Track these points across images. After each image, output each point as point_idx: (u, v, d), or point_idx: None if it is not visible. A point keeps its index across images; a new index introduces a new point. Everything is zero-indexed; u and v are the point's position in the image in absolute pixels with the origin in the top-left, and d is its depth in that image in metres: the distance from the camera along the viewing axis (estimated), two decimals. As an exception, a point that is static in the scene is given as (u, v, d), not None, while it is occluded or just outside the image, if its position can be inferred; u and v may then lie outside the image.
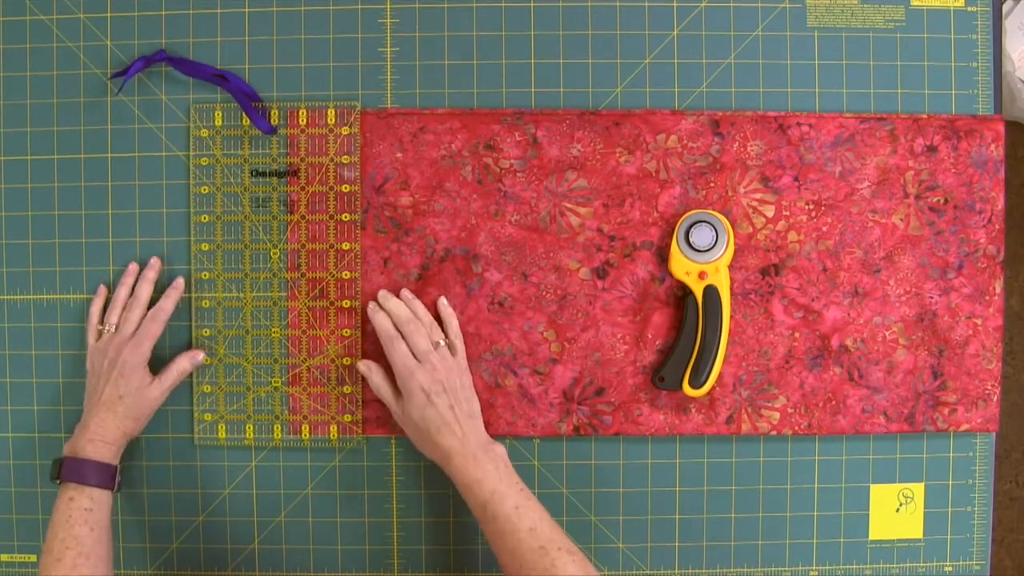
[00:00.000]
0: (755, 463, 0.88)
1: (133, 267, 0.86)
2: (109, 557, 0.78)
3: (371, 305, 0.85)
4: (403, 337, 0.82)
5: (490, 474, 0.78)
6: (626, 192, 0.86)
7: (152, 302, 0.84)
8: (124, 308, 0.84)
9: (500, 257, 0.86)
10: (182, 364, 0.84)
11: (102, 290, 0.86)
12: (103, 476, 0.78)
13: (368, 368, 0.84)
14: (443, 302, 0.85)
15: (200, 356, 0.85)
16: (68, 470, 0.78)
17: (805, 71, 0.87)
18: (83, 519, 0.77)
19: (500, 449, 0.80)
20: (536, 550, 0.74)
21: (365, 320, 0.86)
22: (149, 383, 0.82)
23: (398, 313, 0.83)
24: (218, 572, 0.88)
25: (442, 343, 0.82)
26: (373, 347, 0.86)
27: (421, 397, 0.79)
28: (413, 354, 0.81)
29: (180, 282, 0.85)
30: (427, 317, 0.84)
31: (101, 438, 0.79)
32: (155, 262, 0.85)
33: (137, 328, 0.82)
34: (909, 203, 0.86)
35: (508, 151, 0.86)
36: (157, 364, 0.84)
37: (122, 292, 0.84)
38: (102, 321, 0.84)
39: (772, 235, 0.86)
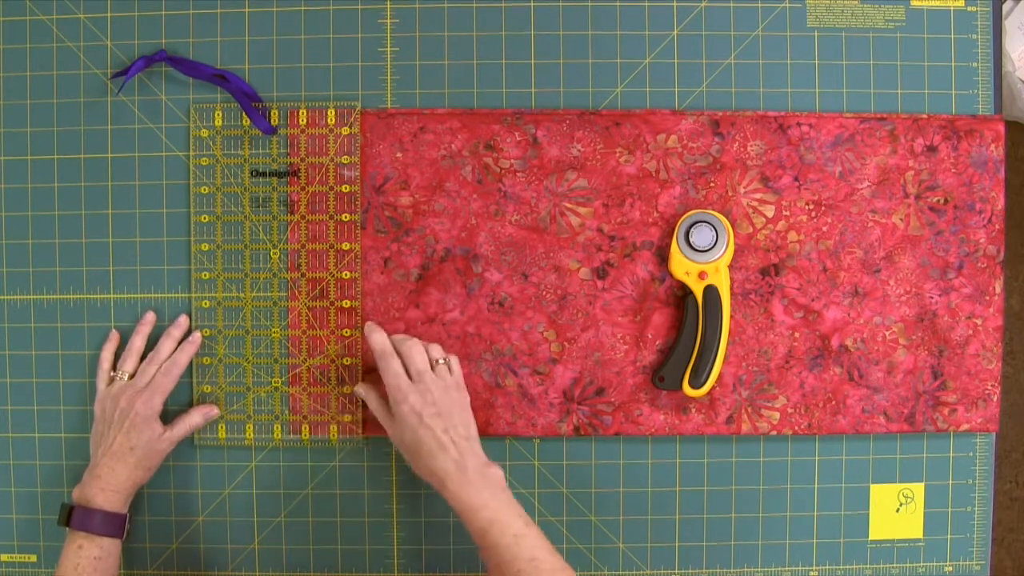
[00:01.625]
0: (755, 463, 0.88)
1: (150, 316, 0.86)
2: None
3: (368, 324, 0.84)
4: (399, 356, 0.81)
5: (488, 502, 0.75)
6: (626, 192, 0.86)
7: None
8: (138, 357, 0.84)
9: (500, 257, 0.86)
10: (194, 419, 0.85)
11: (114, 335, 0.86)
12: (113, 526, 0.79)
13: (365, 392, 0.84)
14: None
15: (214, 412, 0.85)
16: (79, 519, 0.78)
17: (805, 71, 0.87)
18: (92, 567, 0.77)
19: (497, 473, 0.78)
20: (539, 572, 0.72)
21: (365, 320, 0.86)
22: (160, 435, 0.82)
23: (395, 335, 0.83)
24: (218, 572, 0.88)
25: (440, 361, 0.81)
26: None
27: (414, 419, 0.78)
28: (408, 374, 0.80)
29: (197, 336, 0.85)
30: (421, 341, 0.83)
31: (112, 488, 0.79)
32: (182, 320, 0.86)
33: (151, 381, 0.82)
34: (909, 203, 0.86)
35: (508, 151, 0.86)
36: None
37: (137, 341, 0.85)
38: (115, 367, 0.85)
39: (772, 235, 0.86)
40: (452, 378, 0.81)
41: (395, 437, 0.80)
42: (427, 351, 0.81)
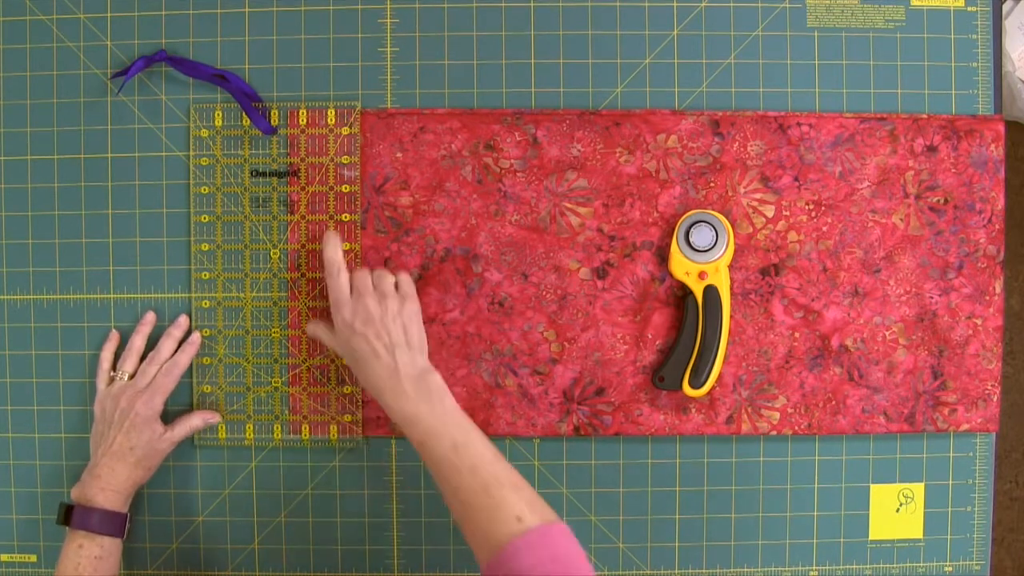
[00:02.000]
0: (755, 463, 0.88)
1: (150, 316, 0.86)
2: None
3: (327, 234, 0.81)
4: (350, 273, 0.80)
5: (423, 413, 0.73)
6: (626, 192, 0.86)
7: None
8: (138, 357, 0.84)
9: (500, 257, 0.86)
10: (194, 422, 0.85)
11: (114, 335, 0.86)
12: (114, 525, 0.79)
13: (313, 327, 0.83)
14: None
15: (215, 418, 0.86)
16: (79, 518, 0.78)
17: (805, 71, 0.87)
18: (93, 567, 0.77)
19: (436, 380, 0.75)
20: (478, 491, 0.69)
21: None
22: (160, 435, 0.82)
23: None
24: (218, 572, 0.88)
25: (386, 279, 0.79)
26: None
27: (346, 330, 0.77)
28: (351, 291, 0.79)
29: (196, 337, 0.85)
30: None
31: (113, 488, 0.79)
32: (182, 320, 0.86)
33: (151, 381, 0.82)
34: (909, 203, 0.86)
35: (508, 151, 0.86)
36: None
37: (137, 341, 0.85)
38: (115, 367, 0.85)
39: (772, 235, 0.86)
40: (395, 290, 0.79)
41: (338, 350, 0.80)
42: (373, 272, 0.80)
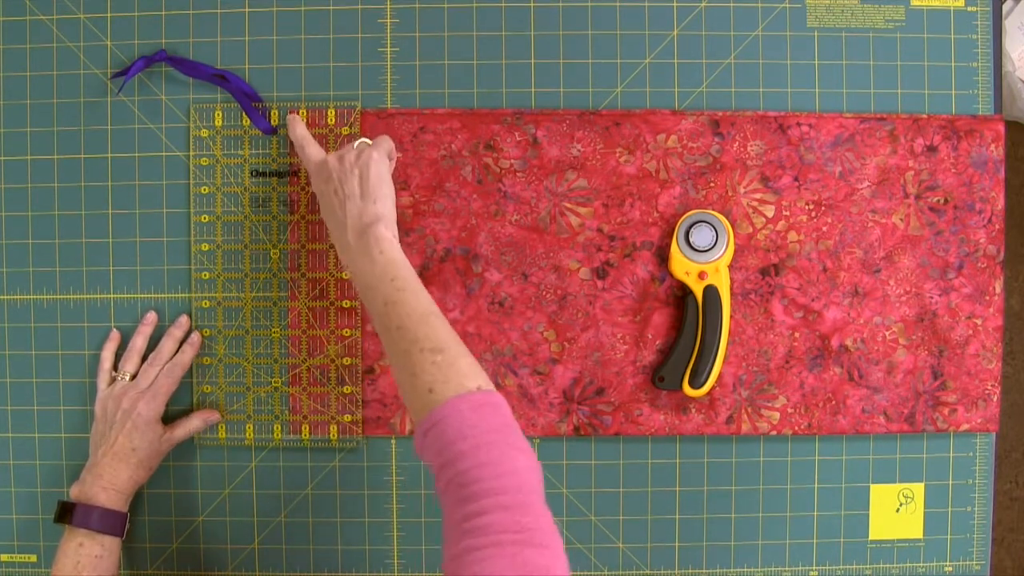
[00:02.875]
0: (755, 463, 0.88)
1: (151, 316, 0.86)
2: None
3: (291, 116, 0.81)
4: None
5: (363, 267, 0.70)
6: (626, 192, 0.86)
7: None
8: (139, 357, 0.84)
9: (500, 257, 0.86)
10: (194, 423, 0.85)
11: (115, 335, 0.86)
12: (115, 524, 0.79)
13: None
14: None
15: (215, 416, 0.86)
16: (81, 517, 0.78)
17: (805, 71, 0.87)
18: (93, 566, 0.77)
19: (379, 230, 0.71)
20: (401, 353, 0.65)
21: (365, 320, 0.86)
22: (161, 436, 0.82)
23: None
24: (218, 572, 0.88)
25: (356, 143, 0.77)
26: (374, 347, 0.86)
27: (317, 194, 0.76)
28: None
29: (197, 337, 0.85)
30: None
31: (115, 488, 0.79)
32: (183, 320, 0.86)
33: (153, 382, 0.82)
34: (909, 203, 0.86)
35: (508, 151, 0.86)
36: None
37: (139, 342, 0.85)
38: (116, 367, 0.85)
39: (772, 235, 0.86)
40: (367, 148, 0.76)
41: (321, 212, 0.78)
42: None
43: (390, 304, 0.67)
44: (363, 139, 0.78)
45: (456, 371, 0.63)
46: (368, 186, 0.74)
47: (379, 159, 0.75)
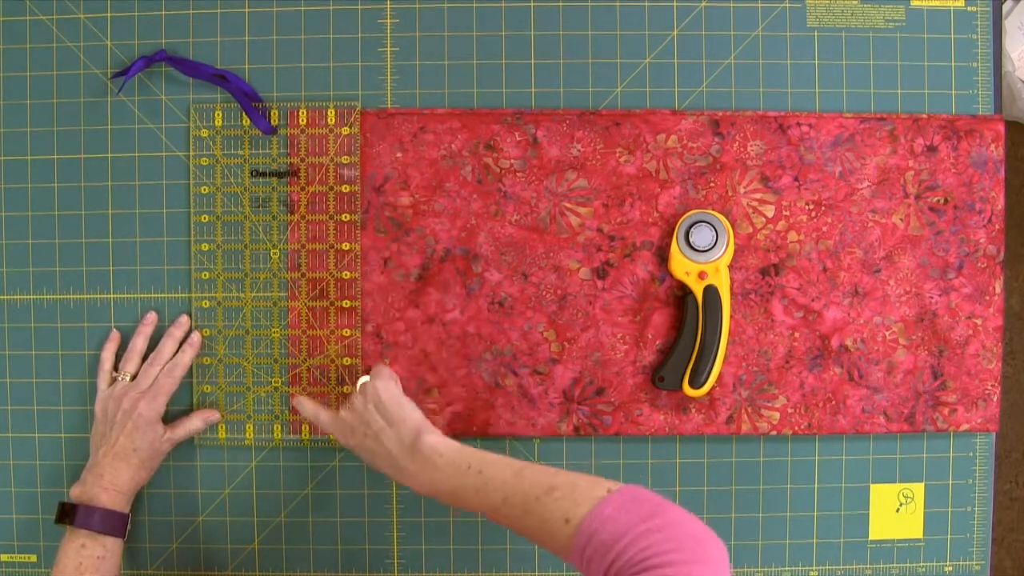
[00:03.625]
0: (755, 463, 0.88)
1: (151, 317, 0.86)
2: None
3: (296, 399, 0.84)
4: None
5: (436, 480, 0.72)
6: (626, 192, 0.86)
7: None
8: (140, 358, 0.85)
9: (500, 257, 0.86)
10: (195, 423, 0.85)
11: (115, 335, 0.86)
12: (117, 524, 0.79)
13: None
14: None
15: (215, 416, 0.86)
16: (83, 518, 0.78)
17: (805, 71, 0.87)
18: (95, 567, 0.77)
19: (428, 441, 0.73)
20: (522, 516, 0.67)
21: (365, 320, 0.86)
22: (162, 436, 0.82)
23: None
24: (218, 572, 0.88)
25: (358, 384, 0.82)
26: (373, 347, 0.86)
27: (352, 450, 0.79)
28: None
29: (197, 337, 0.85)
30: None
31: (117, 488, 0.80)
32: (183, 320, 0.86)
33: (154, 382, 0.83)
34: (909, 203, 0.86)
35: (508, 151, 0.86)
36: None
37: (139, 342, 0.85)
38: (116, 368, 0.85)
39: (772, 235, 0.86)
40: (364, 387, 0.80)
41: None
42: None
43: (481, 491, 0.69)
44: (363, 378, 0.82)
45: (580, 492, 0.64)
46: (389, 413, 0.77)
47: (384, 386, 0.79)
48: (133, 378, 0.83)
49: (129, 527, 0.81)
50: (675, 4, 0.87)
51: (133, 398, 0.81)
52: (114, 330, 0.86)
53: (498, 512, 0.69)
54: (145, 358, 0.85)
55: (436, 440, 0.73)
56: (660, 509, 0.60)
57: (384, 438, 0.76)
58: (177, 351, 0.85)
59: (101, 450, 0.81)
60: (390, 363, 0.84)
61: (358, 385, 0.81)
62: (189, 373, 0.86)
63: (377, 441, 0.76)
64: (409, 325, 0.86)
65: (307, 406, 0.83)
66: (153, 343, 0.85)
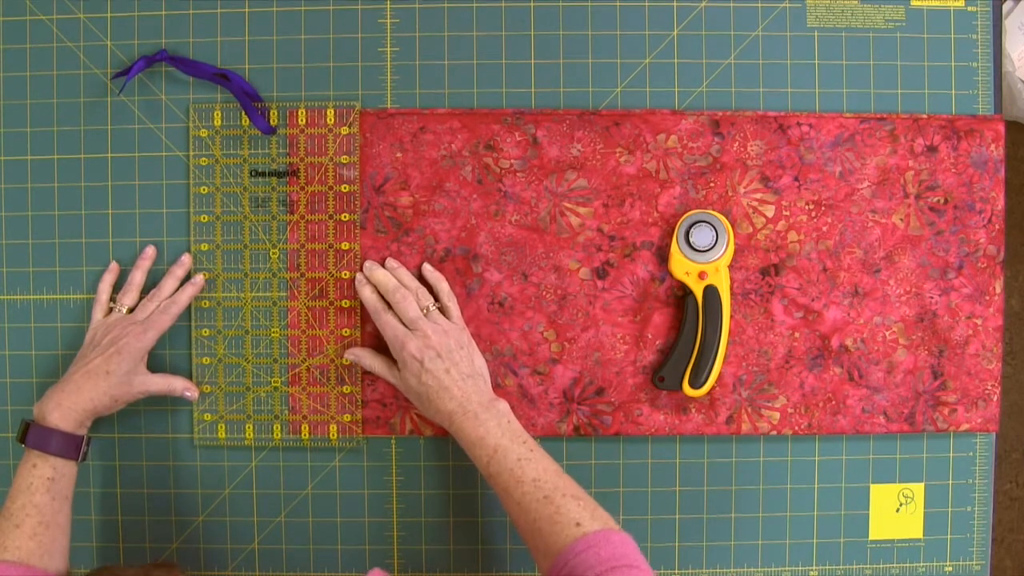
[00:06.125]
0: (755, 463, 0.88)
1: (151, 250, 0.85)
2: (68, 528, 0.78)
3: (358, 277, 0.84)
4: (391, 307, 0.82)
5: (492, 431, 0.77)
6: (626, 192, 0.86)
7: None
8: (138, 291, 0.84)
9: (500, 257, 0.86)
10: (174, 383, 0.84)
11: (114, 267, 0.86)
12: (68, 446, 0.77)
13: (356, 355, 0.84)
14: (428, 267, 0.85)
15: (195, 393, 0.85)
16: (33, 437, 0.77)
17: (805, 71, 0.87)
18: (44, 487, 0.76)
19: (503, 405, 0.79)
20: (541, 500, 0.73)
21: (365, 319, 0.86)
22: (140, 372, 0.81)
23: (384, 283, 0.83)
24: (218, 572, 0.88)
25: (432, 307, 0.82)
26: (373, 346, 0.86)
27: (415, 365, 0.79)
28: (403, 323, 0.81)
29: (199, 279, 0.85)
30: (414, 283, 0.83)
31: (69, 404, 0.78)
32: (185, 259, 0.85)
33: (148, 316, 0.82)
34: (909, 203, 0.86)
35: (508, 151, 0.86)
36: (152, 361, 0.84)
37: (137, 276, 0.84)
38: (113, 299, 0.84)
39: (772, 235, 0.86)
40: (449, 320, 0.82)
41: (401, 386, 0.82)
42: (418, 297, 0.82)
43: (524, 460, 0.75)
44: (429, 308, 0.82)
45: (599, 513, 0.72)
46: (477, 367, 0.82)
47: (469, 337, 0.83)
48: (130, 311, 0.83)
49: (86, 449, 0.79)
50: (675, 4, 0.87)
51: (124, 326, 0.81)
52: (113, 263, 0.86)
53: (521, 487, 0.74)
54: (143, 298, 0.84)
55: (509, 411, 0.79)
56: (646, 566, 0.69)
57: (469, 384, 0.79)
58: (177, 290, 0.84)
59: (73, 367, 0.80)
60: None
61: (429, 312, 0.81)
62: (188, 372, 0.86)
63: (459, 384, 0.79)
64: (409, 325, 0.86)
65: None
66: (152, 285, 0.85)
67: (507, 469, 0.75)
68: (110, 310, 0.84)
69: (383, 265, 0.85)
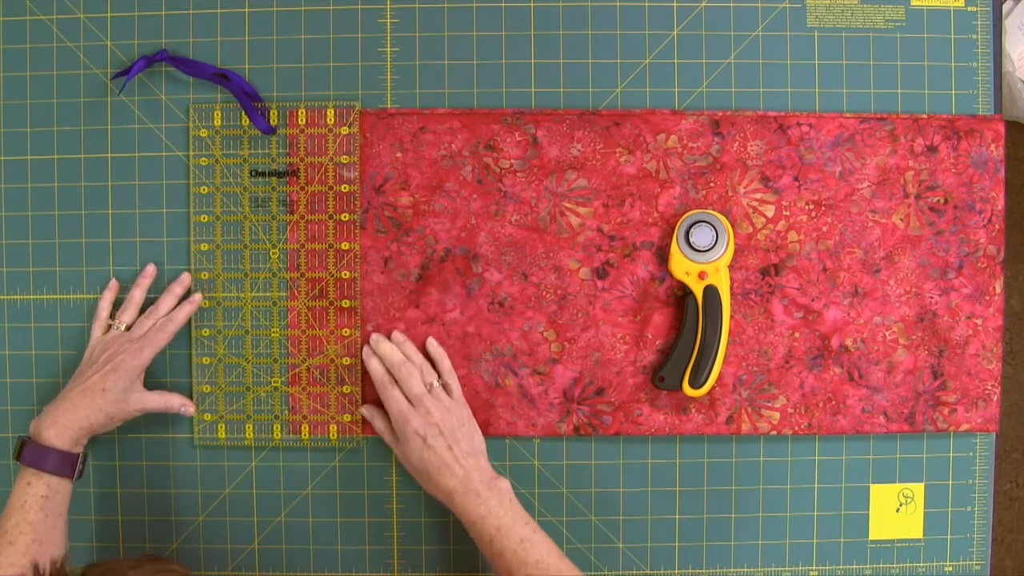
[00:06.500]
0: (755, 463, 0.88)
1: (151, 269, 0.86)
2: (63, 542, 0.78)
3: (365, 350, 0.85)
4: (397, 382, 0.82)
5: (494, 509, 0.78)
6: (626, 192, 0.86)
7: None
8: (137, 309, 0.84)
9: (500, 257, 0.86)
10: (171, 400, 0.84)
11: (114, 285, 0.86)
12: (63, 464, 0.77)
13: (371, 414, 0.85)
14: (432, 342, 0.85)
15: (190, 410, 0.85)
16: (29, 455, 0.77)
17: (805, 71, 0.87)
18: (38, 505, 0.76)
19: (504, 484, 0.80)
20: None
21: (365, 320, 0.86)
22: (136, 391, 0.81)
23: (390, 357, 0.83)
24: (218, 572, 0.88)
25: (436, 384, 0.82)
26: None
27: (417, 441, 0.79)
28: (408, 398, 0.81)
29: (197, 298, 0.85)
30: (418, 358, 0.84)
31: (66, 423, 0.77)
32: (185, 278, 0.85)
33: (145, 334, 0.82)
34: (909, 203, 0.86)
35: (508, 151, 0.86)
36: (152, 361, 0.84)
37: (137, 294, 0.85)
38: (112, 316, 0.84)
39: (772, 235, 0.86)
40: (451, 397, 0.83)
41: (403, 459, 0.83)
42: (423, 373, 0.82)
43: (528, 542, 0.76)
44: (433, 384, 0.82)
45: None
46: (477, 444, 0.82)
47: (470, 415, 0.83)
48: (128, 328, 0.83)
49: (81, 467, 0.79)
50: (675, 4, 0.87)
51: (121, 343, 0.81)
52: (112, 279, 0.86)
53: (524, 568, 0.75)
54: (143, 313, 0.84)
55: (511, 490, 0.80)
56: None
57: (470, 462, 0.80)
58: (175, 308, 0.85)
59: (70, 384, 0.80)
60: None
61: (432, 387, 0.82)
62: (188, 372, 0.86)
63: (460, 462, 0.79)
64: (409, 325, 0.86)
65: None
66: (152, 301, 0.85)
67: (510, 550, 0.76)
68: (109, 327, 0.84)
69: (389, 337, 0.85)
